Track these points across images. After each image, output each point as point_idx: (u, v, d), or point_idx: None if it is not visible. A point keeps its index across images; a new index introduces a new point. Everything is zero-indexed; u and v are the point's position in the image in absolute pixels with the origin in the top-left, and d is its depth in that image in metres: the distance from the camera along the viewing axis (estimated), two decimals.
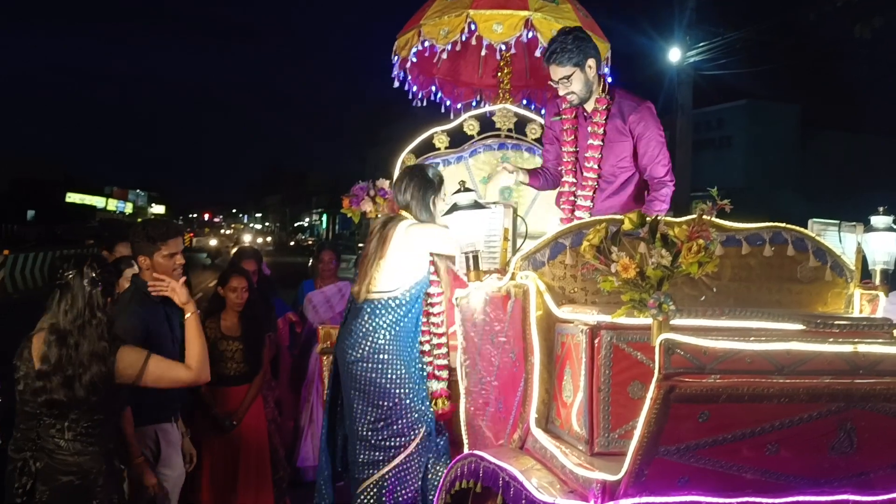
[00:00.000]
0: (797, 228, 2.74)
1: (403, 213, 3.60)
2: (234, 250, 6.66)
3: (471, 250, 2.74)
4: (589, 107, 3.67)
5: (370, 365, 3.45)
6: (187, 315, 3.18)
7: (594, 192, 3.67)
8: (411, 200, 3.57)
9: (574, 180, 3.75)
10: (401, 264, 3.48)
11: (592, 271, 2.14)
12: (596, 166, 3.64)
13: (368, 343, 3.46)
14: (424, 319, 3.66)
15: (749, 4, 14.58)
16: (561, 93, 3.62)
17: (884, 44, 10.20)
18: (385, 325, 3.47)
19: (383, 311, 3.48)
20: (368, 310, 3.50)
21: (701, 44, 13.20)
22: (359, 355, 3.46)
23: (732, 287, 2.67)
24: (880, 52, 10.71)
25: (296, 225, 62.17)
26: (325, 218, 51.29)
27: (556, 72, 3.55)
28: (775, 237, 2.69)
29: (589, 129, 3.66)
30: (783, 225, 2.71)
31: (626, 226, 2.01)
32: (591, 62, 3.56)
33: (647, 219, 1.99)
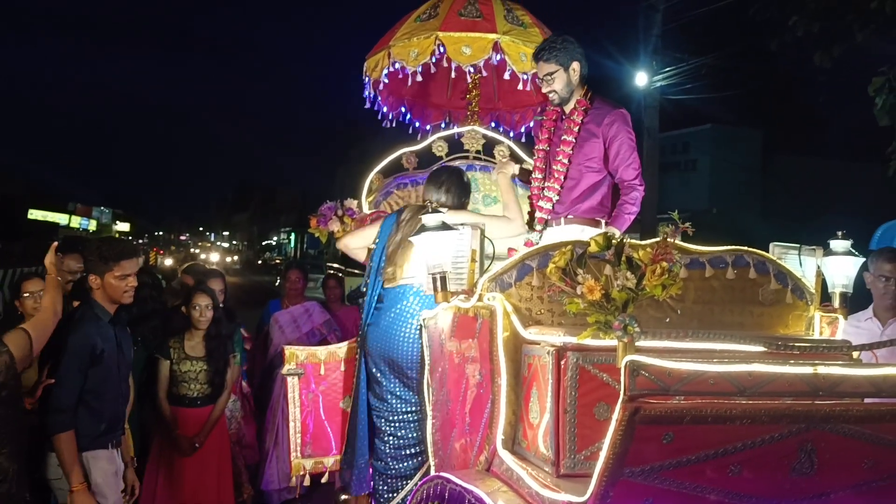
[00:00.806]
0: (759, 252, 2.79)
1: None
2: (182, 268, 6.51)
3: (438, 271, 2.74)
4: (568, 108, 3.80)
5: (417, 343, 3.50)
6: (51, 276, 3.23)
7: (560, 187, 3.74)
8: (447, 202, 3.71)
9: (541, 176, 3.87)
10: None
11: (559, 293, 2.16)
12: (565, 161, 3.73)
13: (415, 322, 3.53)
14: None
15: (713, 32, 14.89)
16: (544, 90, 3.79)
17: (843, 72, 10.46)
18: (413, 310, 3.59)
19: (408, 295, 3.62)
20: (412, 291, 3.61)
21: (667, 69, 13.44)
22: (408, 334, 3.53)
23: (696, 309, 2.71)
24: (839, 79, 10.98)
25: (264, 243, 61.70)
26: (293, 237, 51.00)
27: (542, 68, 3.73)
28: (738, 260, 2.73)
29: (564, 126, 3.77)
30: (745, 248, 2.76)
31: (592, 248, 2.03)
32: (575, 65, 3.70)
33: (613, 241, 2.01)
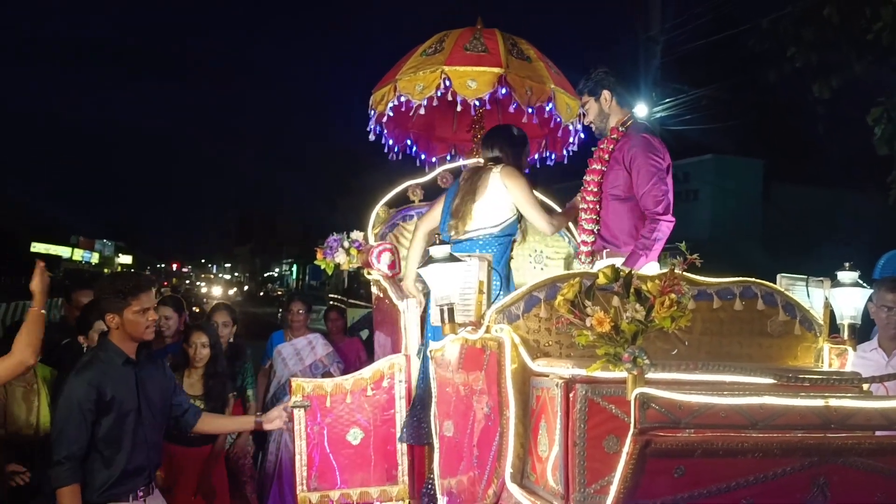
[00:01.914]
0: (767, 283, 2.79)
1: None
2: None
3: (446, 303, 2.74)
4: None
5: None
6: (34, 308, 3.07)
7: (597, 216, 3.76)
8: (501, 155, 3.94)
9: (586, 206, 3.90)
10: (497, 203, 3.82)
11: (567, 325, 2.16)
12: (594, 189, 3.76)
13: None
14: None
15: (712, 64, 15.02)
16: (584, 122, 3.97)
17: (842, 101, 10.55)
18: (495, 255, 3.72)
19: (490, 244, 3.79)
20: (480, 243, 3.79)
21: (667, 100, 13.54)
22: None
23: (704, 340, 2.70)
24: (839, 109, 11.06)
25: (266, 275, 61.67)
26: (295, 268, 51.00)
27: (581, 101, 3.94)
28: (745, 291, 2.73)
29: (595, 157, 3.82)
30: (753, 280, 2.76)
31: (601, 280, 2.04)
32: (605, 94, 3.80)
33: (621, 273, 2.02)
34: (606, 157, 3.74)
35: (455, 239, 3.81)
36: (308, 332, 5.87)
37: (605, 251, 3.64)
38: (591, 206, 3.76)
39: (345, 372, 5.48)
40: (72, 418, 3.10)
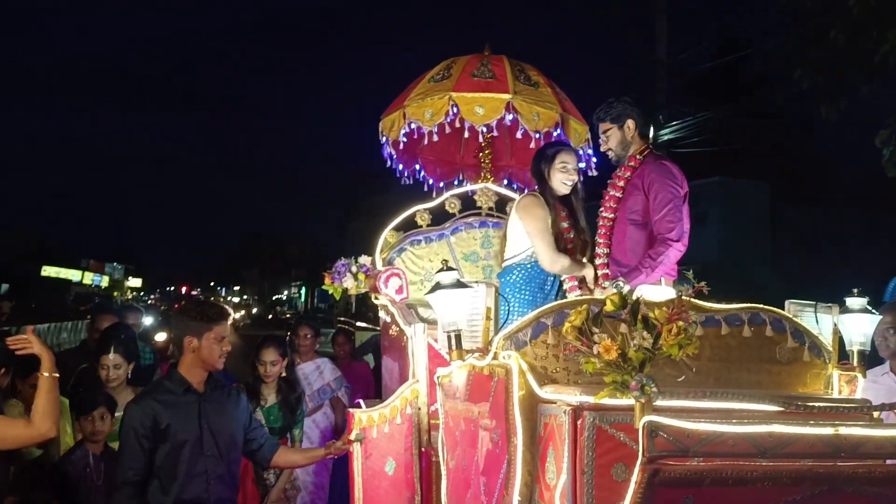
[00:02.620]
0: (775, 310, 2.78)
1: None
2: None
3: (453, 329, 2.75)
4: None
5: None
6: (43, 374, 2.95)
7: (609, 241, 3.77)
8: (533, 174, 4.00)
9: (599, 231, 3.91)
10: (516, 232, 3.90)
11: (574, 352, 2.16)
12: (609, 215, 3.77)
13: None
14: None
15: (719, 87, 15.08)
16: (601, 148, 3.91)
17: (850, 123, 10.56)
18: (512, 283, 3.85)
19: (512, 271, 3.88)
20: (504, 273, 3.92)
21: (674, 123, 13.59)
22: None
23: (713, 367, 2.69)
24: (846, 130, 11.08)
25: (274, 298, 61.73)
26: (303, 291, 51.07)
27: (601, 128, 3.87)
28: (754, 318, 2.73)
29: (613, 183, 3.83)
30: (761, 306, 2.75)
31: (608, 307, 2.04)
32: (629, 123, 3.80)
33: (629, 300, 2.02)
34: (623, 183, 3.76)
35: (502, 268, 4.00)
36: (316, 357, 5.86)
37: (619, 279, 3.63)
38: (602, 231, 3.77)
39: (353, 397, 5.46)
40: (129, 444, 3.15)
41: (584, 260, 3.96)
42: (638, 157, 3.79)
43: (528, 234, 3.86)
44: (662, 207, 3.56)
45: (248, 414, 3.54)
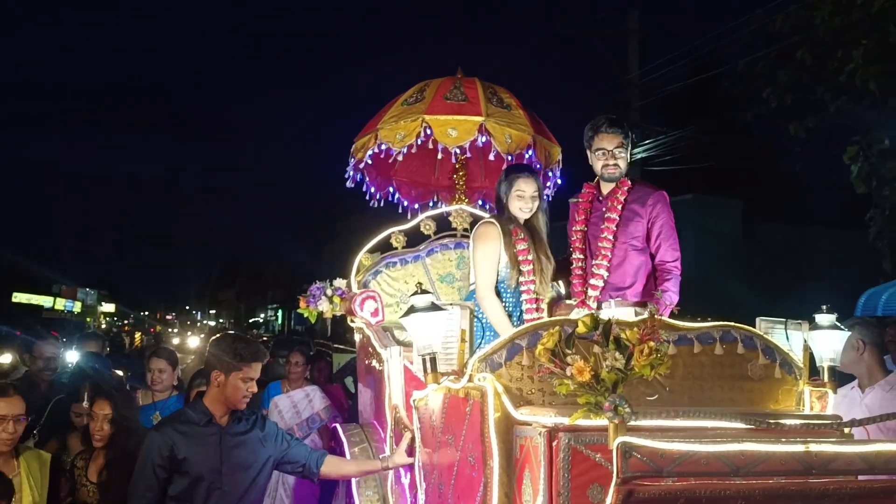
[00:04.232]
0: (746, 327, 2.81)
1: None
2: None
3: (428, 352, 2.74)
4: (606, 189, 3.88)
5: None
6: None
7: (608, 264, 3.78)
8: (495, 198, 4.00)
9: (582, 256, 3.92)
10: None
11: (548, 374, 2.16)
12: (610, 237, 3.78)
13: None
14: None
15: (691, 105, 15.30)
16: (605, 162, 3.79)
17: (819, 140, 10.75)
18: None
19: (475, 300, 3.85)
20: (472, 296, 3.87)
21: (647, 142, 13.75)
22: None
23: (686, 385, 2.71)
24: (816, 147, 11.27)
25: (251, 321, 61.17)
26: (280, 313, 50.67)
27: (612, 140, 3.78)
28: (725, 336, 2.75)
29: (606, 205, 3.84)
30: (733, 324, 2.78)
31: (580, 329, 2.05)
32: (629, 148, 3.85)
33: (601, 321, 2.03)
34: (620, 207, 3.80)
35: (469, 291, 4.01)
36: (306, 384, 5.77)
37: (612, 300, 3.66)
38: (604, 253, 3.78)
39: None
40: (144, 473, 3.11)
41: (546, 282, 3.96)
42: (628, 180, 3.85)
43: (473, 260, 3.90)
44: (670, 236, 3.74)
45: (279, 439, 3.43)
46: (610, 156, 3.79)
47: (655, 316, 2.20)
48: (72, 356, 6.74)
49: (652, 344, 1.93)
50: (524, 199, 3.83)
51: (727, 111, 14.30)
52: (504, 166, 4.50)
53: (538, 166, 4.53)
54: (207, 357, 3.35)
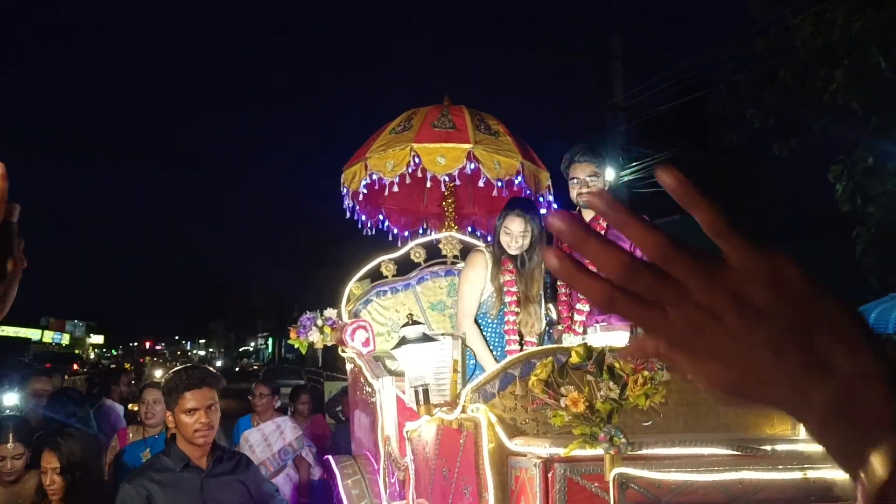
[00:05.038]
0: None
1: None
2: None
3: (420, 384, 2.72)
4: (587, 217, 3.82)
5: None
6: None
7: None
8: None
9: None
10: None
11: (542, 405, 2.15)
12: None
13: None
14: None
15: (677, 127, 15.43)
16: (582, 191, 3.76)
17: (803, 160, 10.86)
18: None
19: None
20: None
21: (633, 164, 13.83)
22: None
23: (680, 411, 2.69)
24: (801, 166, 11.38)
25: (241, 350, 60.81)
26: (270, 342, 50.41)
27: (582, 169, 3.77)
28: None
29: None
30: None
31: (573, 359, 2.04)
32: (608, 172, 3.90)
33: (594, 351, 2.02)
34: (602, 231, 3.78)
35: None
36: (276, 416, 5.68)
37: (597, 325, 3.65)
38: None
39: (320, 454, 5.35)
40: None
41: (534, 316, 3.90)
42: None
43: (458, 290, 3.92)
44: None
45: (262, 485, 3.19)
46: (583, 184, 3.78)
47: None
48: (9, 399, 6.42)
49: (647, 373, 1.92)
50: (511, 236, 3.80)
51: (712, 132, 14.44)
52: (494, 192, 4.51)
53: (528, 192, 4.54)
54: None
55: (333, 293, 4.77)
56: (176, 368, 3.20)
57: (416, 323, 2.81)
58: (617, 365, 1.96)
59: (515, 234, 3.79)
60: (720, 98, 11.99)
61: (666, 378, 2.57)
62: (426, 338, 2.75)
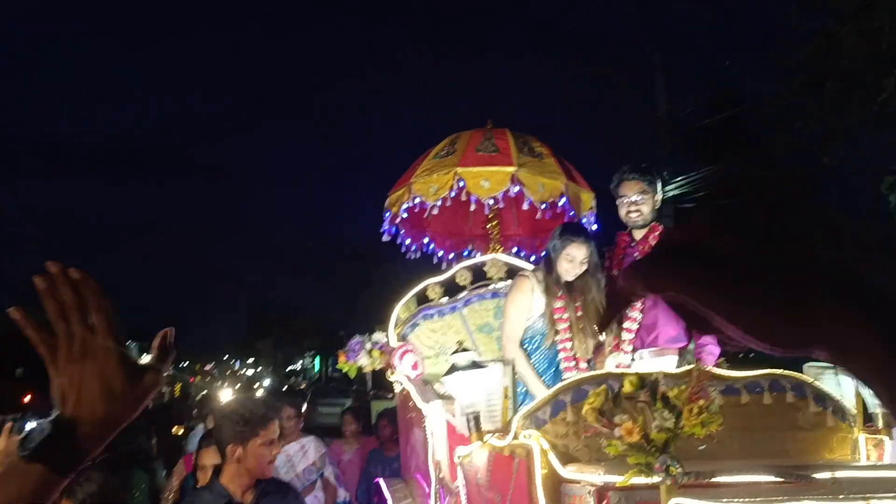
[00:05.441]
0: (795, 374, 2.76)
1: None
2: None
3: (471, 411, 2.73)
4: (639, 235, 3.86)
5: None
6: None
7: (641, 305, 3.74)
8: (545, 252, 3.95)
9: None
10: None
11: (595, 434, 2.14)
12: None
13: None
14: None
15: (719, 139, 15.23)
16: (627, 209, 3.79)
17: (854, 170, 10.61)
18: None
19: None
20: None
21: (678, 179, 13.68)
22: None
23: (735, 436, 2.65)
24: (852, 178, 11.13)
25: (288, 369, 61.28)
26: (317, 360, 50.77)
27: (633, 187, 3.77)
28: (773, 384, 2.70)
29: (638, 249, 3.83)
30: (781, 371, 2.73)
31: (626, 388, 2.03)
32: (658, 196, 3.84)
33: (647, 379, 2.01)
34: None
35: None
36: (301, 437, 5.66)
37: (647, 350, 3.62)
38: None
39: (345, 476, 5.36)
40: None
41: (586, 342, 3.88)
42: (660, 225, 3.86)
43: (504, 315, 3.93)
44: None
45: None
46: (632, 203, 3.79)
47: (702, 369, 2.17)
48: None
49: (702, 402, 1.90)
50: (573, 264, 3.77)
51: (756, 144, 14.22)
52: (538, 214, 4.51)
53: (571, 213, 4.53)
54: (217, 433, 3.03)
55: (377, 312, 4.81)
56: (237, 402, 3.17)
57: (465, 350, 2.83)
58: (671, 393, 1.95)
59: (577, 261, 3.77)
60: (764, 109, 11.81)
61: (720, 402, 2.55)
62: (476, 365, 2.76)
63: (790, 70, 10.92)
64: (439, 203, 4.49)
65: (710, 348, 3.53)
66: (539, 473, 2.49)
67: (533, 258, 5.12)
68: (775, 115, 11.45)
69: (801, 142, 11.03)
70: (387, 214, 4.88)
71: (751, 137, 14.11)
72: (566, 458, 2.53)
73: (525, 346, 3.90)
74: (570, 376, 3.77)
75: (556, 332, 3.85)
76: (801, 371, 2.89)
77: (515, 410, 2.75)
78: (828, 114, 10.27)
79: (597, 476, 2.32)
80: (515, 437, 2.60)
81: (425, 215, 4.72)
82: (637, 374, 2.06)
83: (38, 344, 0.86)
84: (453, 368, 2.77)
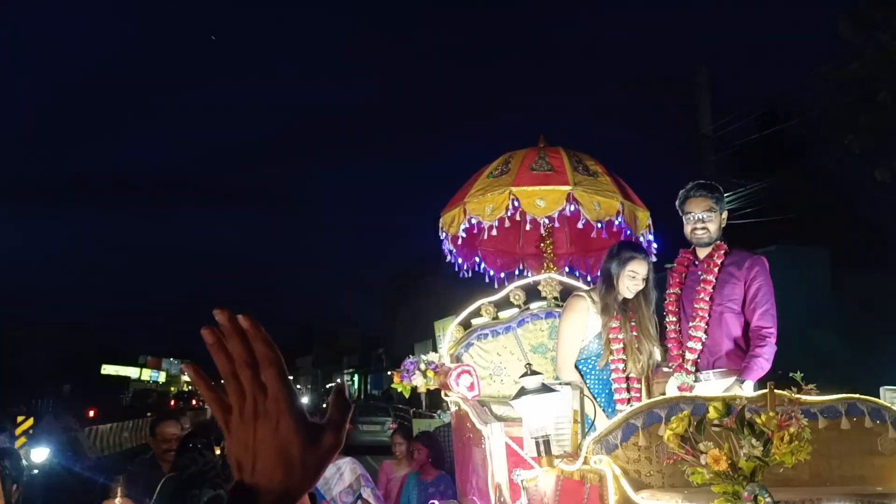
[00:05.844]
0: (873, 399, 2.68)
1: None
2: None
3: (541, 435, 2.70)
4: (702, 253, 3.84)
5: None
6: None
7: (706, 325, 3.72)
8: (601, 272, 3.92)
9: (676, 319, 3.88)
10: None
11: (679, 461, 2.09)
12: (707, 299, 3.72)
13: None
14: None
15: (767, 154, 14.99)
16: (693, 227, 3.78)
17: None
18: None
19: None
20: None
21: (726, 194, 13.51)
22: None
23: (812, 462, 2.57)
24: None
25: (328, 386, 61.53)
26: (356, 378, 50.97)
27: (700, 204, 3.76)
28: (851, 409, 2.63)
29: (702, 268, 3.80)
30: (858, 396, 2.66)
31: (712, 415, 1.98)
32: (725, 214, 3.84)
33: (733, 405, 1.96)
34: (716, 269, 3.75)
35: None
36: (338, 458, 5.62)
37: (712, 371, 3.58)
38: (701, 315, 3.71)
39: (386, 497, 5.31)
40: None
41: (641, 362, 3.86)
42: (724, 244, 3.80)
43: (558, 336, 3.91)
44: (767, 301, 3.64)
45: None
46: (698, 220, 3.76)
47: (778, 393, 2.12)
48: (39, 455, 5.63)
49: (793, 430, 1.85)
50: (636, 280, 3.77)
51: (806, 159, 13.96)
52: (593, 233, 4.47)
53: (628, 232, 4.49)
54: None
55: (415, 328, 4.80)
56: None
57: (535, 373, 2.79)
58: (759, 420, 1.90)
59: (640, 277, 3.77)
60: (813, 123, 11.63)
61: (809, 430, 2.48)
62: (546, 388, 2.73)
63: (843, 85, 10.74)
64: (496, 223, 4.47)
65: (761, 362, 3.48)
66: (613, 499, 2.44)
67: (588, 276, 5.07)
68: (826, 130, 11.26)
69: (853, 156, 10.83)
70: (444, 234, 4.87)
71: (800, 153, 13.88)
72: (638, 485, 2.48)
73: (580, 368, 3.86)
74: (622, 397, 3.73)
75: (611, 353, 3.81)
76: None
77: (584, 434, 2.71)
78: (880, 128, 10.07)
79: (673, 502, 2.27)
80: (586, 462, 2.56)
81: (483, 235, 4.71)
82: (722, 399, 2.01)
83: (211, 403, 0.82)
84: (523, 391, 2.74)
